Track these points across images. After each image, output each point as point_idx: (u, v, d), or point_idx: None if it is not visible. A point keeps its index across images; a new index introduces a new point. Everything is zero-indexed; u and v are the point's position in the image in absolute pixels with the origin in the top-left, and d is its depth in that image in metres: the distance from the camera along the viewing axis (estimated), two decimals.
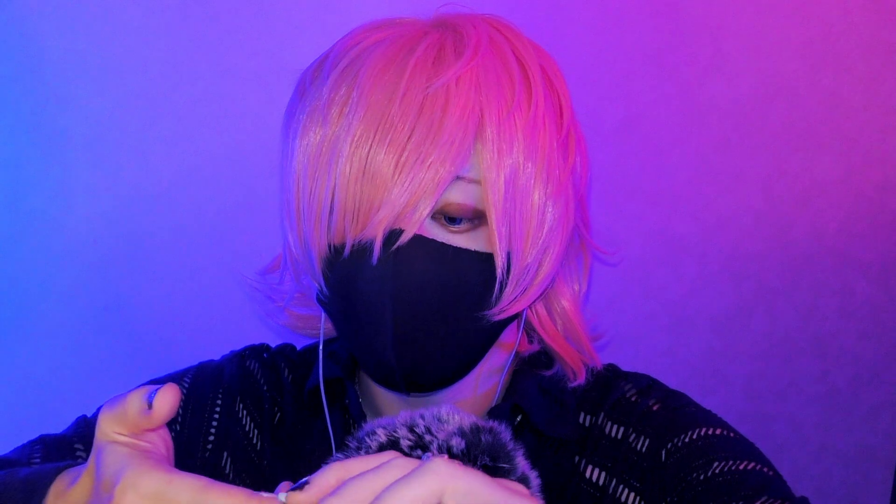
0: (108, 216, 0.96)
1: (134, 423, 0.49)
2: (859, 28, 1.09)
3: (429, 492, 0.39)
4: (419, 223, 0.61)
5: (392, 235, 0.61)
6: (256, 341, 0.85)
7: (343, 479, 0.42)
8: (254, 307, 0.99)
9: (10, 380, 0.97)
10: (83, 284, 0.97)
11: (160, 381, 0.78)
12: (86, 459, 0.69)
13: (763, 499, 0.61)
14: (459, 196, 0.62)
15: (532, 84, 0.65)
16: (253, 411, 0.76)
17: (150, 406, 0.48)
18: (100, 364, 0.99)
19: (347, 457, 0.49)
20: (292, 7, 0.95)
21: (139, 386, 0.77)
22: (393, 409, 0.71)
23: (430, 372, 0.65)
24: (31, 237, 0.94)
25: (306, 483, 0.43)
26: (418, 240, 0.62)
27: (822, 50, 1.09)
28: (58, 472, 0.54)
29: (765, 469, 0.65)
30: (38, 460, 0.69)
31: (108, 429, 0.49)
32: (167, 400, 0.48)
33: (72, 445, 0.71)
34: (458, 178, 0.62)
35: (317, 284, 0.67)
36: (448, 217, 0.63)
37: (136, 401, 0.48)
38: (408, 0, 0.95)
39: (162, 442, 0.51)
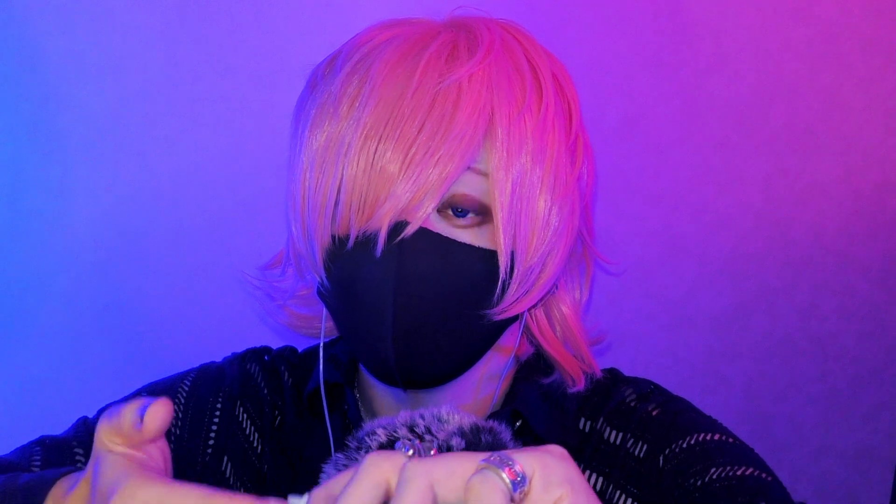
0: (108, 216, 0.96)
1: (128, 436, 0.48)
2: (859, 28, 1.09)
3: (373, 483, 0.40)
4: (425, 216, 0.62)
5: (397, 227, 0.62)
6: (256, 341, 0.85)
7: (330, 497, 0.42)
8: (254, 306, 0.99)
9: (10, 380, 0.97)
10: (83, 284, 0.96)
11: (163, 383, 0.78)
12: (85, 463, 0.69)
13: None
14: (466, 188, 0.63)
15: (543, 87, 0.66)
16: (253, 415, 0.76)
17: (141, 420, 0.47)
18: (100, 364, 0.99)
19: (348, 457, 0.49)
20: (293, 7, 0.95)
21: (141, 388, 0.77)
22: (392, 413, 0.71)
23: (428, 367, 0.65)
24: (31, 237, 0.94)
25: None
26: (423, 233, 0.62)
27: (822, 50, 1.09)
28: (56, 478, 0.53)
29: (763, 474, 0.65)
30: (37, 462, 0.69)
31: (106, 439, 0.49)
32: (156, 416, 0.47)
33: (71, 448, 0.71)
34: (467, 168, 0.62)
35: (318, 278, 0.67)
36: (455, 208, 0.63)
37: (129, 414, 0.48)
38: (406, 1, 0.95)
39: (160, 454, 0.50)
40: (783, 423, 1.20)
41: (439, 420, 0.49)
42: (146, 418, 0.47)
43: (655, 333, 1.13)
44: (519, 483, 0.39)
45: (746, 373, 1.17)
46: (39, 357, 0.97)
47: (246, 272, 0.81)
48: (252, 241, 0.99)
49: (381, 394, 0.72)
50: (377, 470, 0.40)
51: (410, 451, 0.43)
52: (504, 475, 0.39)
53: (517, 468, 0.39)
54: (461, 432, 0.48)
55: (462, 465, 0.40)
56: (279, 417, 0.77)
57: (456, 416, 0.49)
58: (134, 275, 0.98)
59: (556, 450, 0.42)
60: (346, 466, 0.48)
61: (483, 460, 0.40)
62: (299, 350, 0.83)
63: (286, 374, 0.79)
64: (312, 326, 0.79)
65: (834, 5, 1.07)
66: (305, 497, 0.46)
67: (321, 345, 0.74)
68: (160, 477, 0.47)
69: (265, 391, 0.77)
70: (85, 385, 0.98)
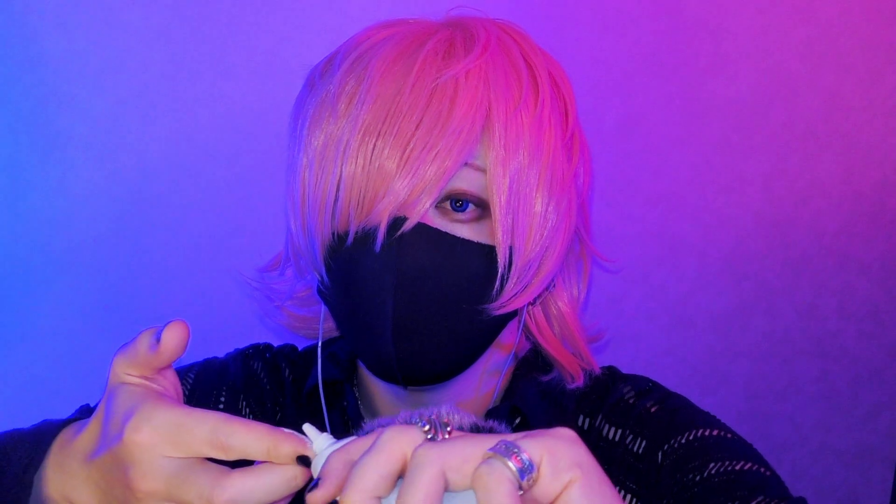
0: (108, 216, 0.96)
1: (145, 361, 0.49)
2: (859, 28, 1.09)
3: (391, 458, 0.41)
4: (423, 212, 0.62)
5: (396, 223, 0.62)
6: (256, 341, 0.85)
7: (348, 462, 0.43)
8: (253, 306, 0.99)
9: (10, 379, 0.97)
10: (83, 284, 0.96)
11: None
12: None
13: (759, 499, 0.61)
14: (464, 183, 0.63)
15: (539, 84, 0.66)
16: (256, 409, 0.77)
17: (157, 342, 0.48)
18: (100, 364, 0.99)
19: None
20: (292, 7, 0.95)
21: None
22: (392, 411, 0.72)
23: (428, 364, 0.65)
24: (31, 237, 0.94)
25: (318, 480, 0.43)
26: (422, 228, 0.63)
27: (822, 50, 1.09)
28: (64, 424, 0.54)
29: (761, 469, 0.65)
30: None
31: (121, 371, 0.50)
32: (173, 335, 0.48)
33: None
34: (464, 164, 0.63)
35: (318, 275, 0.67)
36: (454, 201, 0.64)
37: (145, 339, 0.49)
38: (405, 1, 0.95)
39: (172, 387, 0.51)
40: (783, 423, 1.20)
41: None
42: (163, 338, 0.48)
43: (655, 333, 1.13)
44: (526, 470, 0.39)
45: (746, 373, 1.17)
46: (39, 357, 0.97)
47: (244, 274, 0.81)
48: (252, 240, 0.99)
49: (381, 391, 0.72)
50: (395, 445, 0.41)
51: (427, 427, 0.43)
52: (511, 464, 0.39)
53: (524, 456, 0.39)
54: None
55: (474, 452, 0.40)
56: (280, 413, 0.77)
57: (455, 416, 0.49)
58: (134, 275, 0.98)
59: (565, 433, 0.42)
60: None
61: (490, 449, 0.40)
62: (299, 348, 0.83)
63: (287, 370, 0.79)
64: (311, 328, 0.79)
65: (834, 5, 1.07)
66: (325, 436, 0.46)
67: (319, 343, 0.74)
68: (175, 402, 0.48)
69: (267, 387, 0.78)
70: (85, 385, 0.98)
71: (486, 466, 0.39)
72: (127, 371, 0.50)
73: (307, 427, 0.47)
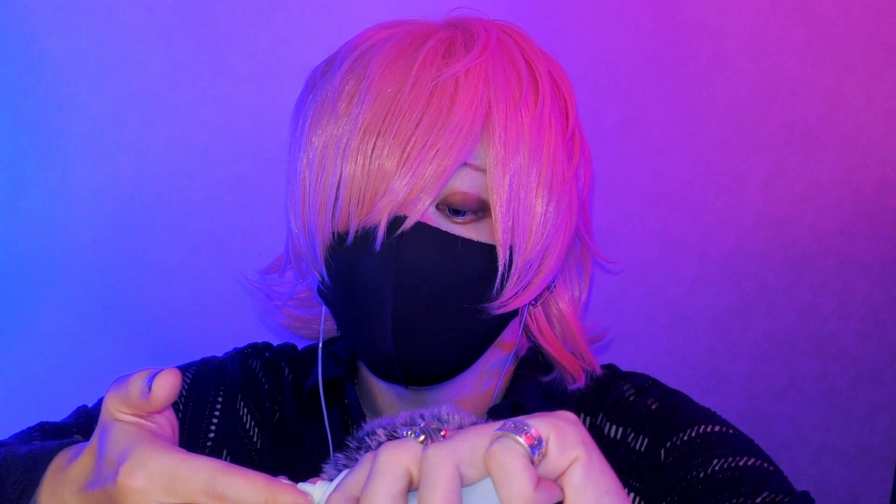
0: (108, 216, 0.96)
1: (136, 405, 0.49)
2: (859, 28, 1.09)
3: (395, 477, 0.40)
4: (423, 211, 0.62)
5: (396, 222, 0.62)
6: (256, 340, 0.85)
7: (350, 499, 0.42)
8: (253, 306, 0.99)
9: (10, 380, 0.97)
10: (83, 284, 0.97)
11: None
12: None
13: (764, 494, 0.61)
14: (464, 184, 0.63)
15: (539, 83, 0.66)
16: (254, 409, 0.77)
17: (149, 390, 0.48)
18: (100, 364, 0.99)
19: (348, 457, 0.49)
20: (293, 7, 0.95)
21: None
22: (393, 409, 0.72)
23: (429, 363, 0.65)
24: (31, 237, 0.94)
25: None
26: (421, 227, 0.62)
27: (822, 50, 1.09)
28: (59, 448, 0.54)
29: (765, 464, 0.65)
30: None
31: (114, 408, 0.49)
32: (164, 385, 0.48)
33: (71, 434, 0.71)
34: (464, 164, 0.63)
35: (318, 275, 0.67)
36: (452, 209, 0.64)
37: (137, 383, 0.49)
38: (405, 2, 0.95)
39: (168, 424, 0.51)
40: (783, 423, 1.20)
41: (439, 420, 0.48)
42: (154, 387, 0.48)
43: (655, 333, 1.13)
44: (536, 446, 0.40)
45: (746, 373, 1.17)
46: (39, 357, 0.97)
47: (244, 274, 0.81)
48: (251, 240, 0.99)
49: (382, 390, 0.72)
50: (395, 462, 0.41)
51: (422, 437, 0.42)
52: (521, 440, 0.39)
53: (533, 432, 0.40)
54: None
55: (483, 440, 0.40)
56: (279, 413, 0.77)
57: (456, 416, 0.49)
58: (134, 275, 0.98)
59: (568, 415, 0.42)
60: (345, 466, 0.48)
61: (498, 429, 0.40)
62: (299, 348, 0.83)
63: (286, 369, 0.79)
64: (311, 328, 0.79)
65: (834, 5, 1.07)
66: (321, 483, 0.46)
67: (320, 343, 0.74)
68: (171, 446, 0.47)
69: (266, 387, 0.78)
70: (85, 384, 0.98)
71: (498, 444, 0.39)
72: (119, 409, 0.49)
73: (301, 486, 0.47)
